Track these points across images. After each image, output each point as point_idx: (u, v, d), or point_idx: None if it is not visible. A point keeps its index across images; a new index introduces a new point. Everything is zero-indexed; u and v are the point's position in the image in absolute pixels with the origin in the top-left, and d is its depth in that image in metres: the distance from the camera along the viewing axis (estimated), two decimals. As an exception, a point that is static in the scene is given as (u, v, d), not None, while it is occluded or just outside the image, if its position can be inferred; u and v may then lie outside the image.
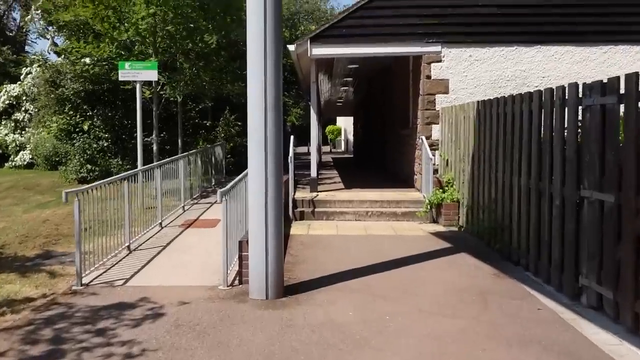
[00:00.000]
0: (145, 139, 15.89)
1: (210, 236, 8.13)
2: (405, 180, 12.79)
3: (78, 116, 17.17)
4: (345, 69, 15.73)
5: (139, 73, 9.96)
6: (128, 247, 7.22)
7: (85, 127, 16.89)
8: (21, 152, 27.11)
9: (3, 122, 26.76)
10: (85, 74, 15.08)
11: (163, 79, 11.93)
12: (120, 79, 10.13)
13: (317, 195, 10.84)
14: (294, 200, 10.12)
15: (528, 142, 6.31)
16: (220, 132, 16.96)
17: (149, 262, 6.78)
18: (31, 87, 24.39)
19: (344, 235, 8.52)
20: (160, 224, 8.77)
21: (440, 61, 10.75)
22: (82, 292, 5.55)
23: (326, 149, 51.08)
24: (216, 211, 9.99)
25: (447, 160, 9.98)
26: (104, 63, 13.28)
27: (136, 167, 16.93)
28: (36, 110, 23.40)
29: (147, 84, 12.31)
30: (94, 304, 5.12)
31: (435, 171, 10.00)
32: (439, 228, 9.04)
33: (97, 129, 16.99)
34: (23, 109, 26.39)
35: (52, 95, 17.15)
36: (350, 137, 37.91)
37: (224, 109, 17.14)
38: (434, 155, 10.03)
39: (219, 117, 17.21)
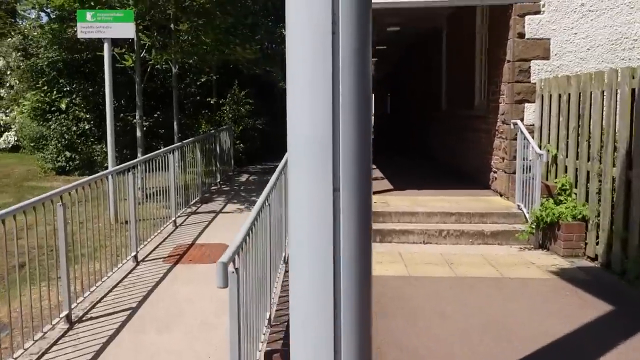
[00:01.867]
0: (133, 120, 12.80)
1: (211, 282, 5.04)
2: (472, 177, 9.66)
3: (55, 92, 14.08)
4: (382, 34, 12.51)
5: (106, 27, 6.85)
6: (68, 318, 4.16)
7: (63, 106, 13.80)
8: (5, 134, 24.13)
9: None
10: (55, 38, 11.90)
11: (147, 38, 8.73)
12: (80, 35, 7.01)
13: (363, 202, 7.74)
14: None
15: None
16: (227, 112, 13.81)
17: (97, 356, 3.72)
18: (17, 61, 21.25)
19: (419, 277, 5.44)
20: (135, 257, 5.71)
21: (538, 12, 7.54)
22: None
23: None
24: (223, 226, 6.94)
25: (556, 156, 6.84)
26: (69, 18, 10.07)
27: (124, 155, 13.96)
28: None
29: (130, 48, 9.19)
30: None
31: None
32: (559, 261, 5.92)
33: (76, 108, 13.90)
34: (8, 84, 23.22)
35: (22, 66, 14.05)
36: None
37: (231, 84, 13.96)
38: (541, 149, 6.89)
39: (226, 94, 14.04)
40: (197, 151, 8.66)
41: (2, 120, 24.01)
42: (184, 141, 8.10)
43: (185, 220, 7.65)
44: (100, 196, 5.14)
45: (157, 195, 6.72)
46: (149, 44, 8.78)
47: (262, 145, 15.01)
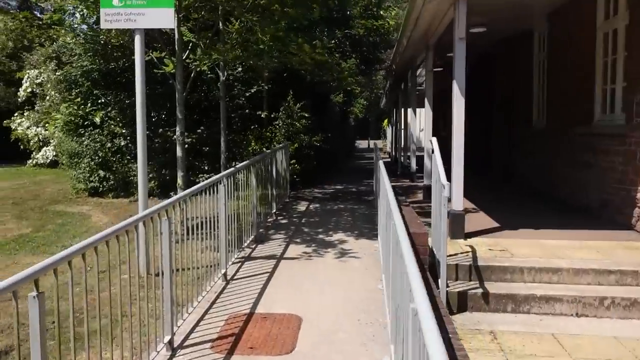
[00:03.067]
0: (174, 135, 11.18)
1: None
2: (597, 212, 7.52)
3: (89, 105, 12.62)
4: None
5: (138, 14, 5.12)
6: None
7: (97, 120, 12.30)
8: (44, 148, 23.11)
9: (25, 114, 22.75)
10: (91, 43, 10.38)
11: (190, 34, 6.96)
12: (104, 25, 5.28)
13: (473, 247, 5.78)
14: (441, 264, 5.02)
15: None
16: (279, 127, 12.02)
17: None
18: (50, 71, 20.16)
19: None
20: (170, 342, 3.83)
21: None
22: None
23: (378, 142, 45.80)
24: (289, 282, 5.05)
25: None
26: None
27: (163, 176, 12.21)
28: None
29: (171, 53, 7.50)
30: None
31: None
32: None
33: (112, 122, 12.38)
34: (47, 97, 22.17)
35: (55, 77, 12.66)
36: (416, 132, 32.11)
37: (283, 95, 12.20)
38: None
39: (277, 107, 12.27)
40: (252, 176, 6.83)
41: (40, 134, 23.05)
42: (238, 165, 6.26)
43: (238, 269, 5.78)
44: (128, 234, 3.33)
45: (201, 228, 4.89)
46: (193, 42, 7.05)
47: (318, 165, 13.18)
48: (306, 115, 12.22)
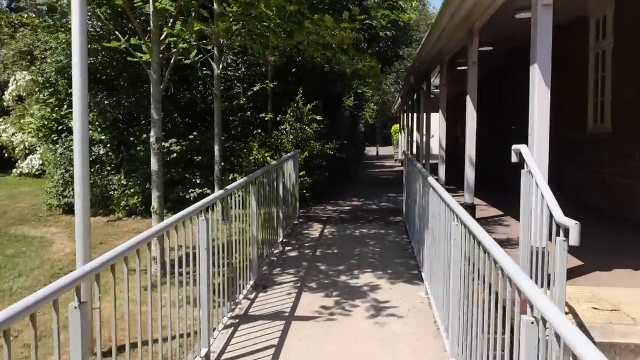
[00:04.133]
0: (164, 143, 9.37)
1: None
2: None
3: (65, 107, 10.81)
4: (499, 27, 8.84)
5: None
6: None
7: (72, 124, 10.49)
8: (30, 157, 21.35)
9: (10, 120, 20.97)
10: (62, 31, 8.56)
11: (167, 3, 5.07)
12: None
13: (568, 303, 3.91)
14: None
15: None
16: (287, 133, 10.16)
17: None
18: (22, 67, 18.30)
19: None
20: None
21: None
22: None
23: (385, 150, 43.72)
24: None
25: None
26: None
27: (148, 190, 10.25)
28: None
29: (142, 30, 5.70)
30: None
31: None
32: None
33: (89, 127, 10.56)
34: (26, 100, 20.35)
35: (28, 75, 10.86)
36: (424, 139, 30.19)
37: (291, 95, 10.37)
38: None
39: (284, 109, 10.43)
40: (252, 198, 4.97)
41: (26, 141, 21.28)
42: (230, 186, 4.38)
43: (229, 340, 3.91)
44: None
45: (186, 263, 3.05)
46: (173, 12, 5.20)
47: (330, 177, 11.34)
48: (318, 118, 10.37)
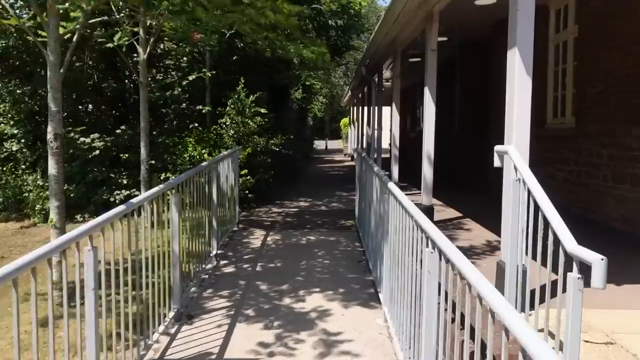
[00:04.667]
0: (83, 138, 8.29)
1: None
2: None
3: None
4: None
5: None
6: None
7: (-20, 116, 9.16)
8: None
9: None
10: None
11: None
12: None
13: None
14: None
15: None
16: (227, 127, 9.19)
17: None
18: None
19: None
20: None
21: None
22: None
23: (335, 143, 43.07)
24: None
25: None
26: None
27: (67, 192, 8.74)
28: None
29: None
30: None
31: None
32: None
33: (1, 120, 9.26)
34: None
35: None
36: (375, 134, 29.57)
37: (232, 85, 9.39)
38: None
39: (224, 99, 9.44)
40: (173, 209, 4.02)
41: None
42: (135, 200, 3.40)
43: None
44: None
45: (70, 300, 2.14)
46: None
47: (276, 175, 10.46)
48: (262, 111, 9.44)
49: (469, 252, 5.64)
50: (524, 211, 2.83)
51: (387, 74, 16.05)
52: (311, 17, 12.48)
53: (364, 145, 20.36)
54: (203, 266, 5.24)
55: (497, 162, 3.40)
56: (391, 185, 3.77)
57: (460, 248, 6.27)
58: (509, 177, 3.17)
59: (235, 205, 7.21)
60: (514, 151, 3.12)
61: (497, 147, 3.42)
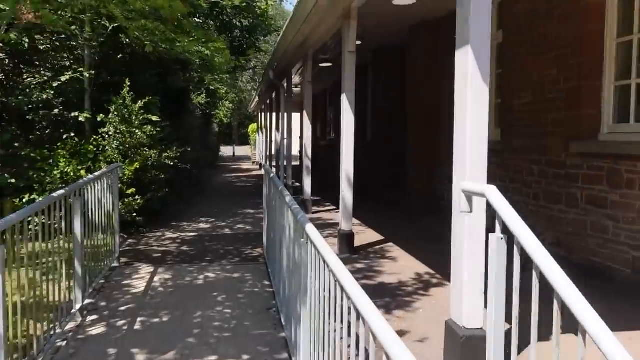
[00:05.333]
0: None
1: None
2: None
3: None
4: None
5: None
6: None
7: None
8: None
9: None
10: None
11: None
12: None
13: None
14: None
15: None
16: (110, 138, 7.77)
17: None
18: None
19: None
20: None
21: None
22: None
23: (243, 150, 41.68)
24: None
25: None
26: None
27: None
28: None
29: None
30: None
31: None
32: None
33: None
34: None
35: None
36: (285, 142, 28.34)
37: (116, 88, 7.96)
38: None
39: (108, 105, 7.98)
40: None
41: None
42: None
43: None
44: None
45: None
46: None
47: (172, 192, 9.13)
48: (154, 118, 8.10)
49: (399, 292, 4.75)
50: (515, 280, 1.91)
51: (296, 79, 15.15)
52: (212, 14, 11.26)
53: (273, 153, 19.31)
54: (57, 330, 3.91)
55: (462, 206, 2.48)
56: (310, 230, 2.74)
57: (388, 285, 5.11)
58: (478, 229, 2.25)
59: (115, 235, 5.85)
60: (496, 196, 2.20)
61: (464, 186, 2.50)
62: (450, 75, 9.48)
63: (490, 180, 7.86)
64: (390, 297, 4.57)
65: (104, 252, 5.43)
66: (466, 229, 2.67)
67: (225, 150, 37.52)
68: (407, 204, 10.08)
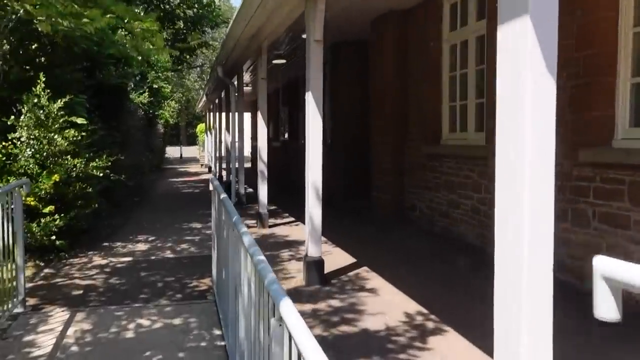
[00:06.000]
0: None
1: None
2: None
3: None
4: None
5: None
6: None
7: None
8: None
9: None
10: None
11: None
12: None
13: None
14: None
15: None
16: (23, 145, 6.40)
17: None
18: None
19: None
20: None
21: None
22: None
23: (191, 150, 39.96)
24: None
25: None
26: None
27: None
28: None
29: None
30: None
31: None
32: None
33: None
34: None
35: None
36: (236, 143, 26.64)
37: (28, 84, 6.57)
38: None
39: (21, 106, 6.60)
40: None
41: None
42: None
43: None
44: None
45: None
46: None
47: (110, 201, 7.81)
48: (78, 121, 6.76)
49: (391, 346, 3.70)
50: None
51: (247, 77, 13.97)
52: (152, 2, 9.94)
53: (223, 154, 18.02)
54: None
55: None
56: (287, 312, 1.65)
57: (375, 335, 3.88)
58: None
59: (20, 273, 4.55)
60: None
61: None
62: (420, 71, 8.48)
63: (471, 190, 6.92)
64: (380, 356, 3.52)
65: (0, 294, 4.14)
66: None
67: (172, 152, 35.68)
68: (374, 215, 9.11)
